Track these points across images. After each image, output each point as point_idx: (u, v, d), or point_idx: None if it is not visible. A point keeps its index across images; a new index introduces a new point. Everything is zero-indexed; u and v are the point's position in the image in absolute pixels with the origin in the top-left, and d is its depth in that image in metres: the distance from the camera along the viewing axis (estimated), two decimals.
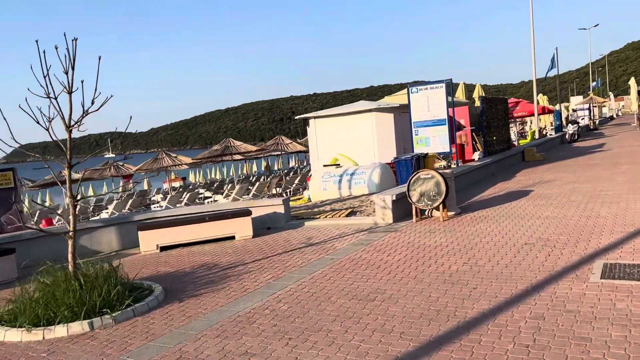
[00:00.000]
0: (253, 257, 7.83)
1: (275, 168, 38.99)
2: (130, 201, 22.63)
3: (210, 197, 23.67)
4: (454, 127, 18.66)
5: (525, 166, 17.95)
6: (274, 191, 21.28)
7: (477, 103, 28.12)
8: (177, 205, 21.11)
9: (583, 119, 47.10)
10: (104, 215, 22.60)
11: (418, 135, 14.88)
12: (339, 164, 16.48)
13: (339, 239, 8.53)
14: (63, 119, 5.76)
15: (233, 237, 9.38)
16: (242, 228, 9.26)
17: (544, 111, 31.91)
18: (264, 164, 39.13)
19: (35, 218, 21.93)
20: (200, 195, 25.07)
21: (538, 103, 30.78)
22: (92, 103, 5.84)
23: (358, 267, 6.69)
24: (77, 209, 6.47)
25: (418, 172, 9.50)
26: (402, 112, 16.33)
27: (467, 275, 5.86)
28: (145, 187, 38.31)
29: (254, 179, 25.60)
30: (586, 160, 17.85)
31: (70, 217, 5.84)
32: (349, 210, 10.96)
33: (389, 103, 16.42)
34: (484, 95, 27.40)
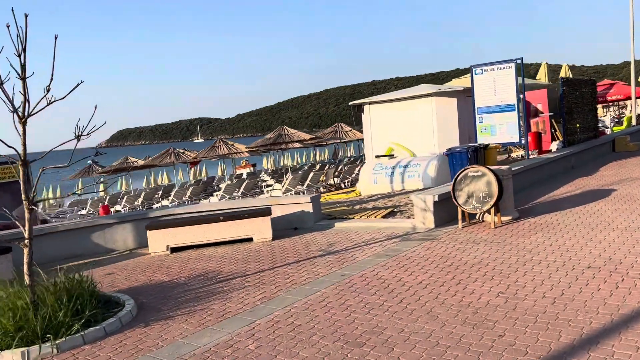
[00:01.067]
0: (259, 267, 6.81)
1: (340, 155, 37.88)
2: (191, 188, 22.52)
3: (272, 185, 23.07)
4: (528, 112, 16.62)
5: (614, 158, 15.54)
6: (331, 182, 20.21)
7: None
8: (234, 194, 20.64)
9: None
10: (165, 202, 22.69)
11: (482, 123, 13.13)
12: (393, 155, 15.07)
13: (363, 247, 7.30)
14: (15, 110, 4.98)
15: (251, 239, 8.43)
16: (260, 229, 8.28)
17: None
18: (325, 153, 38.09)
19: (88, 205, 22.45)
20: (263, 183, 24.61)
21: (638, 85, 27.23)
22: (48, 90, 5.01)
23: (367, 289, 5.46)
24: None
25: (466, 169, 8.01)
26: (467, 97, 14.57)
27: (497, 314, 4.46)
28: (219, 174, 38.68)
29: (307, 167, 24.66)
30: None
31: (26, 222, 5.10)
32: (390, 210, 9.64)
33: (451, 86, 14.70)
34: (570, 76, 24.53)
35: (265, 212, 8.30)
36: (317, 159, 43.45)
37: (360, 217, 9.24)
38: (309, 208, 9.10)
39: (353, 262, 6.58)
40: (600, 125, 38.03)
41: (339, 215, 9.65)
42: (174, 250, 8.26)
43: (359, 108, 16.34)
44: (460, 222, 8.06)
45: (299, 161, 41.77)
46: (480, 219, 8.42)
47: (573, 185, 11.00)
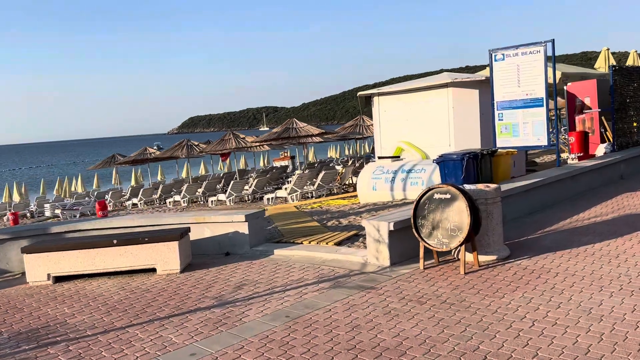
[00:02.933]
0: (119, 319, 4.99)
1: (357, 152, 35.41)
2: (204, 183, 21.12)
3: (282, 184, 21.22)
4: (572, 108, 13.80)
5: None
6: (349, 181, 18.12)
7: None
8: (243, 192, 18.99)
9: None
10: (177, 198, 21.42)
11: (502, 121, 10.64)
12: (399, 157, 12.80)
13: (274, 295, 5.31)
14: None
15: (154, 270, 6.62)
16: (165, 258, 6.44)
17: None
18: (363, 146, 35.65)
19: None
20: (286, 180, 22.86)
21: None
22: None
23: None
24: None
25: (432, 189, 5.80)
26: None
27: None
28: (242, 166, 37.32)
29: (319, 164, 22.51)
30: None
31: None
32: (352, 233, 7.53)
33: (470, 76, 12.22)
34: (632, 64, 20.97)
35: (172, 235, 6.45)
36: (343, 153, 40.96)
37: (310, 242, 7.21)
38: (244, 229, 7.17)
39: (234, 325, 4.61)
40: None
41: (290, 237, 7.65)
42: (59, 279, 6.60)
43: (368, 100, 14.13)
44: (421, 261, 5.87)
45: (335, 156, 39.76)
46: (456, 255, 6.18)
47: (610, 206, 8.42)
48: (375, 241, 6.12)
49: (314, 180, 16.98)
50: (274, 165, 38.42)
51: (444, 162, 8.09)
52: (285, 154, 40.64)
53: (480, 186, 5.99)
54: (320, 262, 6.48)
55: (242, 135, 19.68)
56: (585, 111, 13.31)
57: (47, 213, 23.14)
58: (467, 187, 5.98)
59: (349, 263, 6.30)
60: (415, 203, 5.85)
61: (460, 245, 5.50)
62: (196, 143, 21.98)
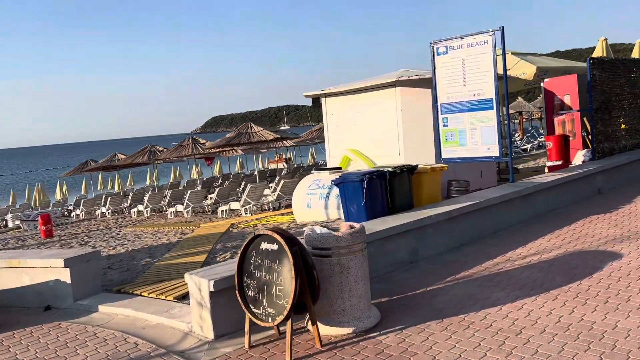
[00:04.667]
0: None
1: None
2: (169, 192, 19.65)
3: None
4: (551, 107, 11.88)
5: None
6: None
7: None
8: (201, 204, 17.44)
9: None
10: (140, 208, 20.01)
11: (447, 127, 8.86)
12: (340, 168, 11.07)
13: None
14: None
15: None
16: None
17: None
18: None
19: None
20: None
21: None
22: None
23: None
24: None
25: (259, 236, 4.12)
26: None
27: None
28: (237, 170, 35.84)
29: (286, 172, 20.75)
30: None
31: None
32: None
33: (420, 73, 10.40)
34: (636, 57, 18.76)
35: None
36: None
37: (149, 295, 5.59)
38: (66, 277, 5.59)
39: None
40: None
41: (137, 285, 6.04)
42: None
43: (316, 101, 12.44)
44: (247, 337, 4.18)
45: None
46: (306, 324, 4.48)
47: (563, 236, 6.60)
48: (198, 304, 4.47)
49: (276, 189, 15.36)
50: (270, 168, 36.92)
51: (343, 185, 6.37)
52: (280, 157, 39.01)
53: (347, 227, 4.28)
54: (141, 327, 4.86)
55: (202, 141, 18.17)
56: (560, 112, 11.39)
57: (10, 224, 22.02)
58: (317, 230, 4.28)
59: (171, 332, 4.66)
60: (240, 253, 4.18)
61: (286, 319, 3.81)
62: (160, 149, 20.53)
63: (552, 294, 4.64)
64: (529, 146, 26.63)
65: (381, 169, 6.35)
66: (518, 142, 27.87)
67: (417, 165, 6.83)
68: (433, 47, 8.74)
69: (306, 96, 12.16)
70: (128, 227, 15.65)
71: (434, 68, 8.78)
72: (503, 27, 7.99)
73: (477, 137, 8.50)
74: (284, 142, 18.92)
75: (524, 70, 12.00)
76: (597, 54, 17.63)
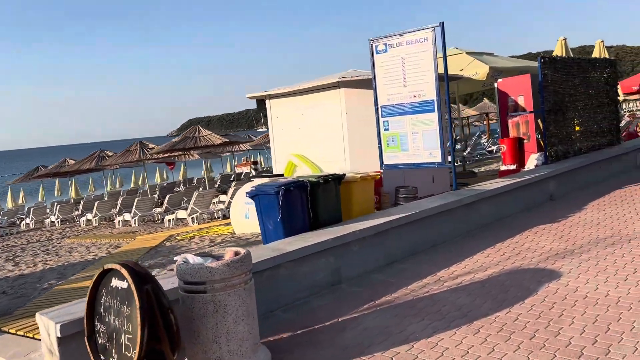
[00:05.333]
0: None
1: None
2: (120, 199, 18.65)
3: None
4: (505, 108, 11.39)
5: (633, 180, 10.13)
6: None
7: None
8: (150, 212, 16.54)
9: None
10: (89, 217, 18.97)
11: (389, 131, 8.25)
12: (281, 175, 10.39)
13: None
14: None
15: None
16: None
17: None
18: None
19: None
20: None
21: None
22: None
23: None
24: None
25: (110, 271, 3.40)
26: None
27: None
28: (202, 174, 34.82)
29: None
30: None
31: None
32: None
33: (364, 73, 9.78)
34: (608, 56, 18.53)
35: None
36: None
37: (16, 332, 4.78)
38: None
39: None
40: None
41: (14, 320, 5.25)
42: None
43: (261, 103, 11.73)
44: None
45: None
46: None
47: (503, 250, 6.02)
48: (49, 352, 3.72)
49: (222, 195, 14.59)
50: (237, 171, 36.03)
51: (258, 198, 5.67)
52: (247, 160, 38.09)
53: (231, 254, 3.59)
54: None
55: (151, 145, 17.27)
56: (513, 114, 10.91)
57: None
58: (190, 259, 3.57)
59: None
60: (89, 291, 3.45)
61: None
62: (110, 153, 19.53)
63: (474, 326, 4.01)
64: (494, 148, 26.38)
65: (300, 179, 5.67)
66: (485, 144, 27.60)
67: (344, 175, 6.17)
68: (372, 45, 8.12)
69: (250, 98, 11.44)
70: (70, 238, 14.73)
71: (373, 68, 8.16)
72: (443, 22, 7.41)
73: (419, 142, 7.91)
74: (242, 145, 18.11)
75: (477, 70, 11.51)
76: (556, 54, 17.32)
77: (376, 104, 8.23)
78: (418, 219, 6.33)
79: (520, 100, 11.12)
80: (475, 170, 14.70)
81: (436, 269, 5.60)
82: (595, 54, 18.63)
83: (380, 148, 8.32)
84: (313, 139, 10.48)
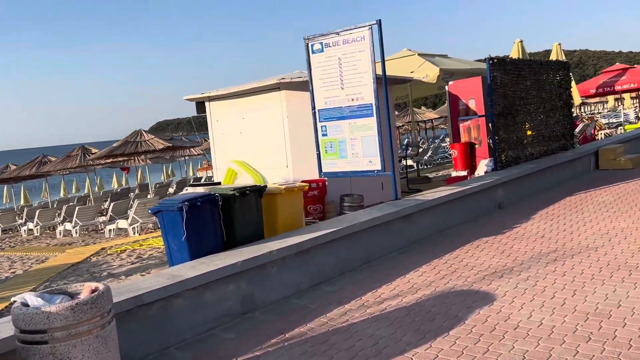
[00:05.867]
0: None
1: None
2: (64, 207, 17.61)
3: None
4: (455, 112, 10.99)
5: (586, 185, 9.82)
6: None
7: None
8: (93, 221, 15.62)
9: None
10: (30, 226, 17.89)
11: (327, 137, 7.70)
12: (218, 183, 9.74)
13: None
14: None
15: None
16: None
17: None
18: None
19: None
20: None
21: None
22: None
23: None
24: None
25: None
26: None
27: None
28: (162, 179, 33.78)
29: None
30: None
31: None
32: None
33: (306, 74, 9.22)
34: (563, 58, 18.46)
35: None
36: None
37: None
38: None
39: None
40: (622, 120, 31.34)
41: None
42: None
43: (200, 106, 11.04)
44: None
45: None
46: None
47: (439, 267, 5.51)
48: None
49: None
50: (198, 175, 35.05)
51: (162, 214, 5.02)
52: (208, 163, 37.14)
53: (88, 291, 2.95)
54: None
55: (94, 150, 16.35)
56: (462, 118, 10.52)
57: None
58: (30, 300, 2.92)
59: None
60: None
61: None
62: (53, 158, 18.48)
63: None
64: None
65: (211, 193, 5.04)
66: (447, 147, 27.41)
67: (265, 186, 5.57)
68: (307, 43, 7.55)
69: (187, 100, 10.74)
70: (5, 250, 13.74)
71: (310, 69, 7.59)
72: (380, 20, 6.89)
73: (358, 149, 7.37)
74: (192, 150, 17.32)
75: (427, 72, 11.07)
76: (512, 57, 17.11)
77: (313, 107, 7.66)
78: (349, 234, 5.78)
79: (472, 104, 10.73)
80: (432, 175, 14.29)
81: (363, 291, 5.05)
82: (553, 57, 18.53)
83: (318, 155, 7.75)
84: (254, 144, 9.86)
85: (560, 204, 8.24)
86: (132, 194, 23.28)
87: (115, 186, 32.81)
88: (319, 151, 7.73)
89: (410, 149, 14.18)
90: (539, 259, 5.49)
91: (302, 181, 8.95)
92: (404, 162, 15.88)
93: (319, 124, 7.66)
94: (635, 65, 23.16)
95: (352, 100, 7.27)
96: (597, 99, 47.48)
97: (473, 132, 10.86)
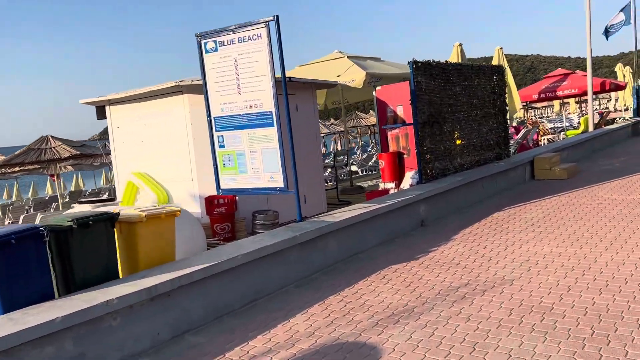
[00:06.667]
0: None
1: None
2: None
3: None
4: (383, 119, 10.30)
5: (518, 198, 9.22)
6: None
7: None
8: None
9: None
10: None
11: (225, 149, 6.76)
12: (112, 200, 8.65)
13: None
14: None
15: None
16: None
17: (608, 88, 21.77)
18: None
19: None
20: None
21: (611, 77, 20.93)
22: None
23: None
24: None
25: None
26: None
27: None
28: (102, 184, 31.83)
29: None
30: None
31: None
32: None
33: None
34: (504, 63, 18.13)
35: None
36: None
37: None
38: None
39: None
40: (567, 125, 31.64)
41: None
42: None
43: (101, 110, 9.90)
44: None
45: None
46: None
47: (332, 307, 4.67)
48: None
49: None
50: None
51: None
52: None
53: None
54: None
55: (0, 156, 14.88)
56: (386, 126, 9.79)
57: None
58: None
59: None
60: None
61: None
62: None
63: None
64: None
65: (35, 226, 4.02)
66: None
67: (117, 214, 4.57)
68: (199, 41, 6.59)
69: (85, 103, 9.57)
70: None
71: (203, 70, 6.63)
72: (277, 15, 6.00)
73: (258, 163, 6.46)
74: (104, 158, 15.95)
75: (353, 76, 10.29)
76: (452, 61, 16.59)
77: (209, 115, 6.71)
78: (229, 269, 4.86)
79: (400, 111, 10.01)
80: (366, 185, 13.53)
81: (233, 344, 4.14)
82: (495, 61, 18.17)
83: (216, 169, 6.80)
84: (157, 154, 8.82)
85: (487, 222, 7.57)
86: (55, 203, 21.66)
87: (50, 192, 30.79)
88: (217, 165, 6.78)
89: (329, 158, 13.40)
90: (446, 296, 4.72)
91: (209, 196, 8.02)
92: (330, 170, 15.11)
93: (215, 134, 6.71)
94: (576, 71, 23.23)
95: (251, 107, 6.36)
96: (545, 103, 48.34)
97: (402, 141, 10.15)
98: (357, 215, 6.49)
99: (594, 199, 8.37)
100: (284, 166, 6.24)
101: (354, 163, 22.28)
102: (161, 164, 8.78)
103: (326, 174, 19.94)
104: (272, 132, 6.25)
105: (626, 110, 36.46)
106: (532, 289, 4.70)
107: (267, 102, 6.22)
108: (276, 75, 6.13)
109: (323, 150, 36.10)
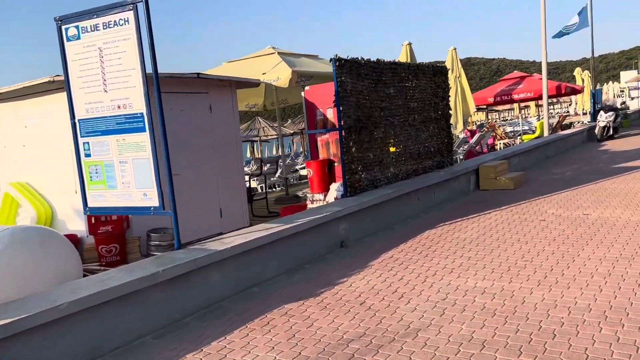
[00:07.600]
0: None
1: None
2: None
3: None
4: (312, 122, 9.28)
5: (456, 213, 8.28)
6: None
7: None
8: None
9: (625, 102, 35.63)
10: None
11: (90, 158, 5.56)
12: None
13: None
14: None
15: None
16: None
17: (564, 92, 21.27)
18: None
19: None
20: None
21: (571, 81, 20.48)
22: None
23: None
24: None
25: None
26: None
27: None
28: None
29: None
30: (609, 187, 8.02)
31: None
32: None
33: None
34: (451, 64, 17.33)
35: None
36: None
37: None
38: None
39: None
40: (526, 128, 31.25)
41: None
42: None
43: None
44: None
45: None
46: None
47: None
48: None
49: None
50: None
51: None
52: None
53: None
54: None
55: None
56: (321, 130, 8.76)
57: None
58: None
59: None
60: None
61: None
62: None
63: None
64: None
65: None
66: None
67: None
68: (60, 27, 5.39)
69: None
70: None
71: (65, 62, 5.43)
72: None
73: (130, 176, 5.29)
74: None
75: (279, 75, 9.20)
76: (402, 59, 15.67)
77: (72, 117, 5.50)
78: (51, 321, 3.69)
79: (330, 114, 8.98)
80: (301, 193, 12.44)
81: None
82: (448, 63, 17.37)
83: (82, 183, 5.61)
84: (40, 161, 7.54)
85: (414, 242, 6.57)
86: None
87: None
88: (83, 178, 5.58)
89: (268, 165, 12.33)
90: (330, 356, 3.66)
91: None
92: (253, 180, 14.02)
93: (80, 140, 5.51)
94: (532, 74, 22.73)
95: (119, 107, 5.19)
96: (508, 106, 48.28)
97: (332, 148, 9.09)
98: (254, 240, 5.39)
99: (537, 215, 7.49)
100: (158, 181, 5.10)
101: (268, 173, 20.50)
102: (44, 173, 7.52)
103: (274, 178, 18.83)
104: (144, 139, 5.10)
105: (584, 114, 36.56)
106: (439, 344, 3.69)
107: (137, 101, 5.06)
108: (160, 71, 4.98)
109: (279, 152, 34.63)
